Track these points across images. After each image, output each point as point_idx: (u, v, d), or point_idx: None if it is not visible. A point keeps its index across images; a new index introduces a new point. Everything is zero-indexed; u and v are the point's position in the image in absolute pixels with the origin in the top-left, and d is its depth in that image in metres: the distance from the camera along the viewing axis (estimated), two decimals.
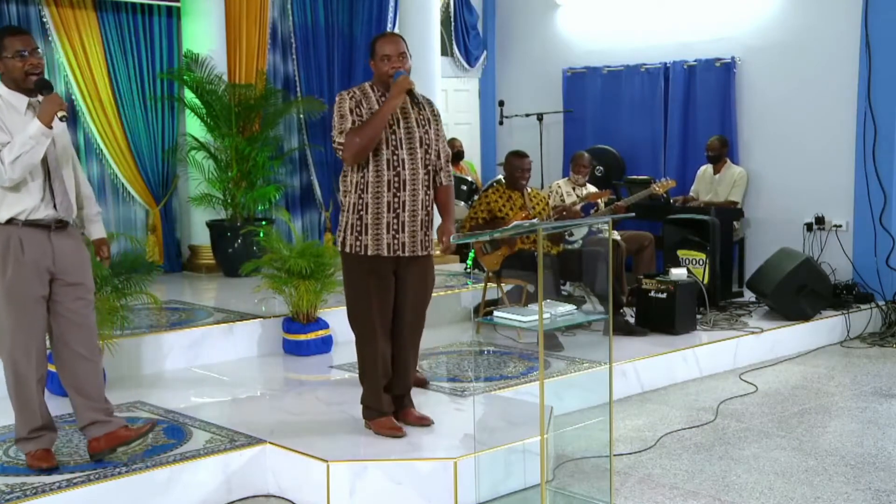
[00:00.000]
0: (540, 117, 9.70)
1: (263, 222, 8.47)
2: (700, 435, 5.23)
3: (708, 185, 8.78)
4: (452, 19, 10.62)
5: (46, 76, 4.11)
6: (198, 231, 8.78)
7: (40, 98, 3.97)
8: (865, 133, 8.06)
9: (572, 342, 6.46)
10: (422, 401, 4.87)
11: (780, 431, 5.28)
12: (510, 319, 4.12)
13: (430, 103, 4.55)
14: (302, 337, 6.27)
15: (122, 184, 8.50)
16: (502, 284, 6.79)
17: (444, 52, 10.20)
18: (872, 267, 8.06)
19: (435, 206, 4.56)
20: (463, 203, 8.99)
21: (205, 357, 6.10)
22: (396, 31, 9.00)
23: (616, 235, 7.54)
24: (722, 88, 9.00)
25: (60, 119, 3.91)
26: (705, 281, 7.41)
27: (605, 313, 4.53)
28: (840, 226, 8.28)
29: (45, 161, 3.95)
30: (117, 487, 3.96)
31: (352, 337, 4.55)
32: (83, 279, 4.09)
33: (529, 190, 6.92)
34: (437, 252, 4.71)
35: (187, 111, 8.58)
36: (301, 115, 9.42)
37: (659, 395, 6.03)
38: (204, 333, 6.17)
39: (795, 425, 5.39)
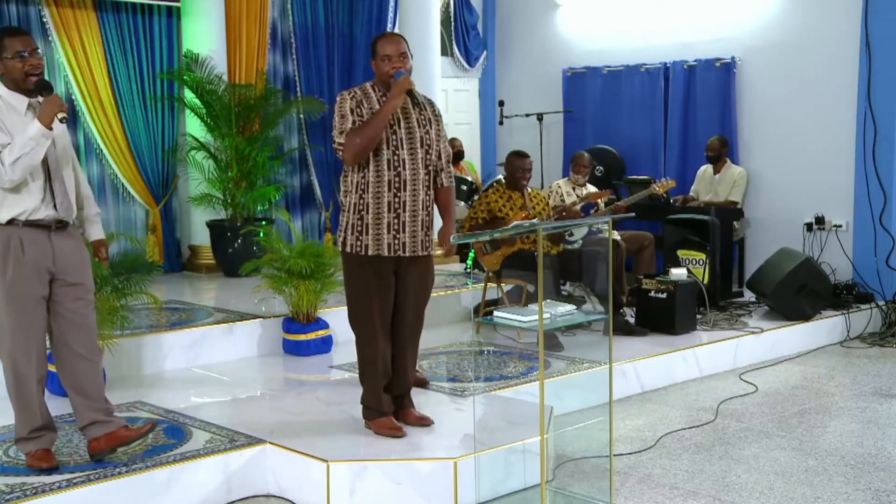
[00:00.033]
0: (540, 117, 9.70)
1: (263, 222, 8.47)
2: (700, 435, 5.23)
3: (708, 185, 8.78)
4: (452, 19, 10.62)
5: (46, 76, 4.11)
6: (198, 231, 8.78)
7: (40, 99, 3.97)
8: (865, 133, 8.05)
9: (572, 342, 6.46)
10: (422, 401, 4.87)
11: (780, 431, 5.28)
12: (510, 319, 4.12)
13: (432, 103, 4.55)
14: (302, 337, 6.27)
15: (122, 184, 8.50)
16: (502, 284, 6.79)
17: (444, 52, 10.20)
18: (872, 267, 8.06)
19: (436, 208, 4.56)
20: (463, 203, 8.99)
21: (205, 357, 6.10)
22: (396, 31, 9.00)
23: (616, 235, 7.54)
24: (722, 88, 9.00)
25: (61, 120, 3.91)
26: (705, 281, 7.41)
27: (605, 313, 4.53)
28: (840, 226, 8.28)
29: (45, 162, 3.95)
30: (117, 487, 3.96)
31: (352, 337, 4.55)
32: (83, 279, 4.09)
33: (530, 190, 6.92)
34: (438, 252, 4.71)
35: (187, 111, 8.58)
36: (301, 115, 9.42)
37: (659, 395, 6.03)
38: (204, 333, 6.17)
39: (795, 425, 5.39)
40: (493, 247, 6.63)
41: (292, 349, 6.31)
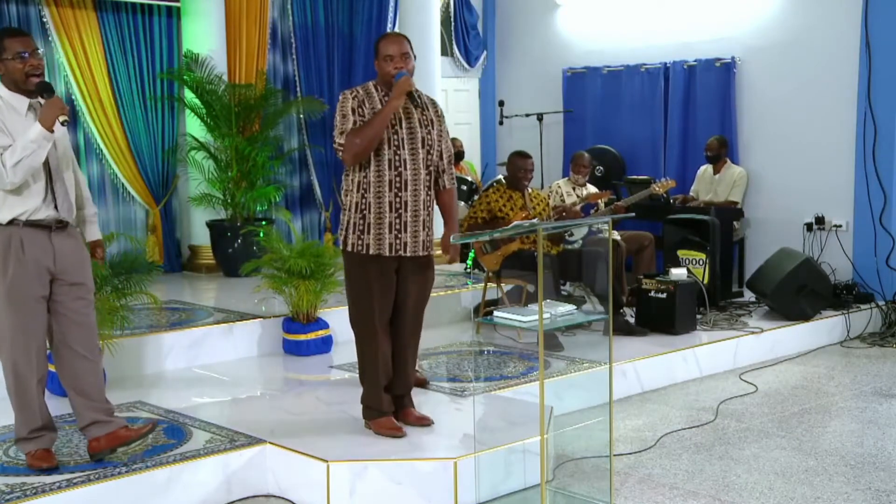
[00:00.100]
0: (540, 117, 9.70)
1: (263, 222, 8.47)
2: (700, 435, 5.23)
3: (708, 185, 8.78)
4: (452, 19, 10.62)
5: (46, 76, 4.11)
6: (198, 231, 8.78)
7: (41, 99, 3.97)
8: (865, 133, 8.05)
9: (572, 342, 6.46)
10: (422, 401, 4.87)
11: (780, 431, 5.28)
12: (510, 319, 4.12)
13: (434, 104, 4.56)
14: (302, 337, 6.27)
15: (122, 184, 8.51)
16: (502, 284, 6.79)
17: (444, 52, 10.20)
18: (872, 267, 8.05)
19: (437, 210, 4.57)
20: (463, 203, 8.99)
21: (205, 357, 6.10)
22: (397, 30, 9.00)
23: (616, 235, 7.54)
24: (722, 88, 9.00)
25: (62, 123, 3.92)
26: (705, 281, 7.41)
27: (605, 313, 4.53)
28: (840, 226, 8.28)
29: (46, 163, 3.96)
30: (117, 487, 3.96)
31: (352, 337, 4.55)
32: (83, 279, 4.09)
33: (530, 190, 6.92)
34: (438, 252, 4.71)
35: (187, 111, 8.59)
36: (301, 115, 9.43)
37: (659, 395, 6.03)
38: (204, 333, 6.18)
39: (795, 425, 5.39)
40: (493, 247, 6.63)
41: (292, 349, 6.31)
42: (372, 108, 4.33)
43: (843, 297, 7.77)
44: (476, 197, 8.51)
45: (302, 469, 4.25)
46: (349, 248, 4.38)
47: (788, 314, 7.34)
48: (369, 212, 4.32)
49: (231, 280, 8.21)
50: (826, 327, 7.47)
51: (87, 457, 4.18)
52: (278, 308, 6.58)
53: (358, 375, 4.57)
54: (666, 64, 9.42)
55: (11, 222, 3.91)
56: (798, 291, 7.36)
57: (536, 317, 3.82)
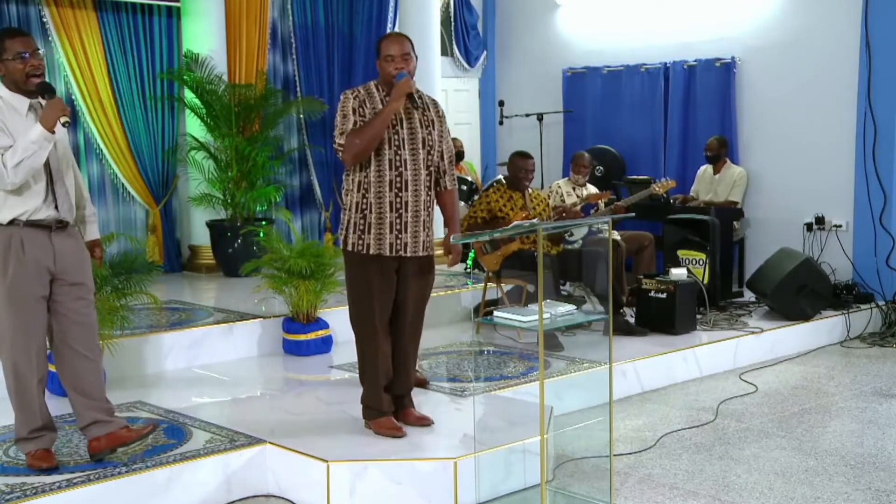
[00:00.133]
0: (540, 117, 9.69)
1: (263, 222, 8.47)
2: (700, 435, 5.23)
3: (708, 185, 8.78)
4: (452, 19, 10.62)
5: (46, 76, 4.11)
6: (198, 231, 8.78)
7: (41, 100, 3.97)
8: (865, 133, 8.05)
9: (572, 342, 6.46)
10: (422, 401, 4.87)
11: (780, 431, 5.28)
12: (510, 319, 4.12)
13: (436, 104, 4.56)
14: (302, 337, 6.27)
15: (122, 184, 8.51)
16: (502, 284, 6.79)
17: (444, 52, 10.20)
18: (872, 267, 8.05)
19: (439, 211, 4.57)
20: (463, 203, 8.99)
21: (205, 357, 6.10)
22: (397, 30, 9.00)
23: (616, 235, 7.54)
24: (722, 88, 9.00)
25: (63, 124, 3.92)
26: (705, 281, 7.41)
27: (605, 313, 4.53)
28: (840, 226, 8.28)
29: (47, 164, 3.96)
30: (117, 487, 3.96)
31: (352, 337, 4.55)
32: (84, 279, 4.09)
33: (530, 190, 6.92)
34: (438, 253, 4.71)
35: (187, 111, 8.59)
36: (301, 115, 9.42)
37: (659, 395, 6.03)
38: (204, 333, 6.18)
39: (795, 425, 5.39)
40: (493, 247, 6.63)
41: (292, 349, 6.31)
42: (373, 108, 4.33)
43: (843, 297, 7.77)
44: (476, 197, 8.51)
45: (302, 469, 4.25)
46: (349, 248, 4.39)
47: (788, 314, 7.34)
48: (370, 211, 4.33)
49: (231, 280, 8.21)
50: (826, 327, 7.47)
51: (87, 457, 4.18)
52: (278, 308, 6.58)
53: (358, 375, 4.57)
54: (666, 64, 9.42)
55: (12, 222, 3.91)
56: (798, 291, 7.36)
57: (536, 317, 3.82)
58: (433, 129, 4.45)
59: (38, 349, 4.00)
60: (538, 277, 3.86)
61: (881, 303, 7.92)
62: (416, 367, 4.94)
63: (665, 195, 8.24)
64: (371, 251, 4.33)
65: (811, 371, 6.66)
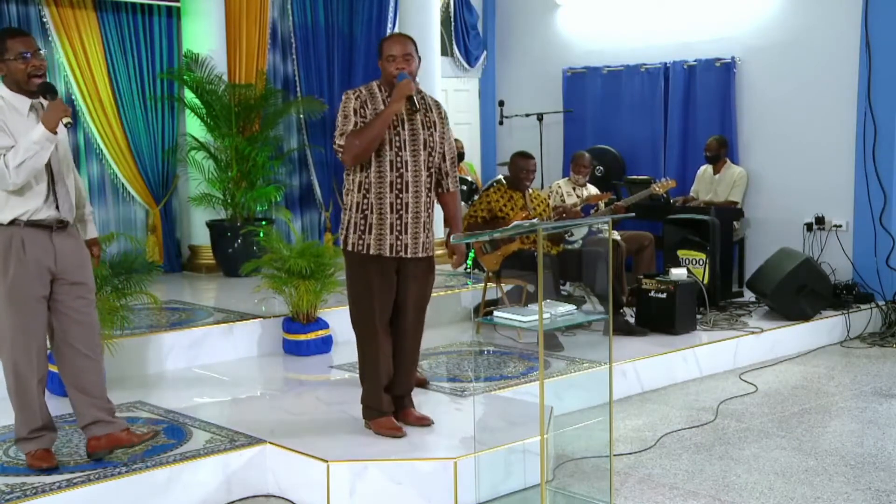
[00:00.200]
0: (540, 117, 9.70)
1: (263, 222, 8.47)
2: (700, 435, 5.23)
3: (708, 185, 8.78)
4: (452, 19, 10.62)
5: (46, 76, 4.11)
6: (198, 231, 8.78)
7: (42, 100, 3.97)
8: (865, 133, 8.05)
9: (572, 342, 6.46)
10: (422, 401, 4.87)
11: (780, 431, 5.28)
12: (510, 319, 4.13)
13: (438, 105, 4.56)
14: (302, 337, 6.27)
15: (122, 184, 8.51)
16: (502, 284, 6.79)
17: (444, 52, 10.20)
18: (872, 267, 8.05)
19: (439, 211, 4.57)
20: (463, 203, 8.99)
21: (205, 357, 6.10)
22: (397, 30, 9.00)
23: (616, 235, 7.54)
24: (722, 88, 9.00)
25: (66, 125, 3.92)
26: (705, 281, 7.41)
27: (605, 313, 4.53)
28: (840, 226, 8.28)
29: (48, 165, 3.96)
30: (117, 487, 3.96)
31: (352, 337, 4.56)
32: (84, 279, 4.09)
33: (531, 191, 6.92)
34: (439, 253, 4.71)
35: (187, 111, 8.58)
36: (301, 115, 9.42)
37: (659, 395, 6.04)
38: (204, 333, 6.18)
39: (795, 425, 5.39)
40: (493, 247, 6.63)
41: (292, 349, 6.31)
42: (374, 108, 4.33)
43: (843, 297, 7.77)
44: (476, 197, 8.51)
45: (302, 469, 4.26)
46: (350, 248, 4.38)
47: (788, 314, 7.34)
48: (371, 212, 4.32)
49: (231, 280, 8.21)
50: (826, 327, 7.47)
51: (87, 457, 4.17)
52: (278, 308, 6.58)
53: (358, 375, 4.57)
54: (666, 64, 9.42)
55: (13, 222, 3.92)
56: (798, 291, 7.36)
57: (536, 317, 3.82)
58: (435, 130, 4.45)
59: (38, 349, 4.00)
60: (538, 277, 3.86)
61: (881, 303, 7.92)
62: (417, 367, 4.93)
63: (665, 195, 8.24)
64: (371, 251, 4.33)
65: (811, 371, 6.66)
